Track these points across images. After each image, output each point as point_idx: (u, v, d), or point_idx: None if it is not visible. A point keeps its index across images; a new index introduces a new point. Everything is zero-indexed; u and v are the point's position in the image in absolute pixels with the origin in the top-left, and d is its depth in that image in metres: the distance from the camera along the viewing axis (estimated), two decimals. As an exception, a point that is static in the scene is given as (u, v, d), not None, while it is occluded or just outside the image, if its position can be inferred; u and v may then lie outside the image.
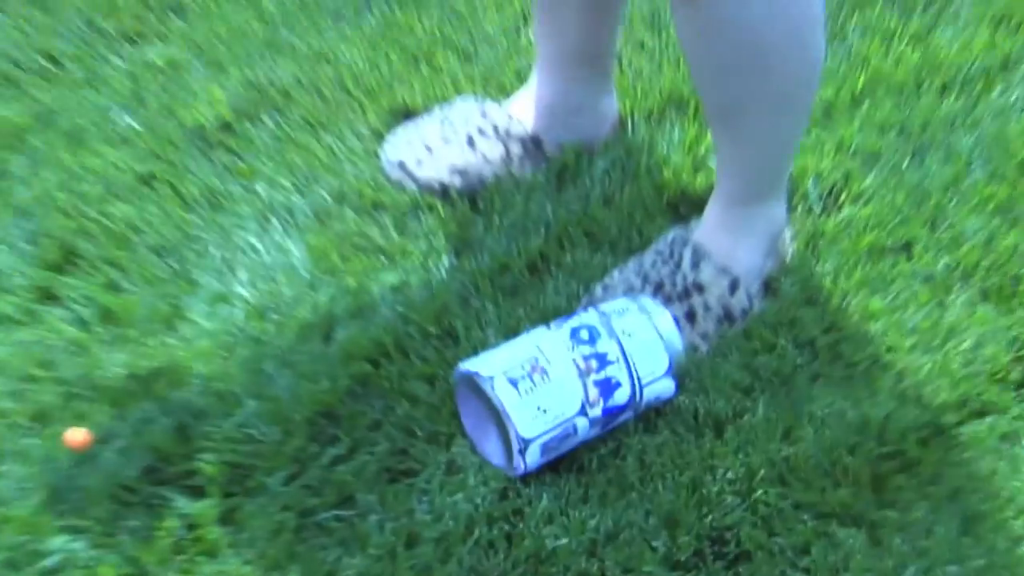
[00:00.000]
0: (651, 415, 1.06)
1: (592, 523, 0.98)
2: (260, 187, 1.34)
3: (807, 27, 1.01)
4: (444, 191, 1.30)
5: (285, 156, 1.38)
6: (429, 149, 1.32)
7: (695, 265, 1.14)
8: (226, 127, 1.42)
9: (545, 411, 0.99)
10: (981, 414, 1.05)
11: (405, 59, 1.47)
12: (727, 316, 1.13)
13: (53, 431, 1.06)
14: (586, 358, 1.02)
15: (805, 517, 0.98)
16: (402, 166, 1.31)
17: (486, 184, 1.31)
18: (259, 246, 1.26)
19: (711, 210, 1.16)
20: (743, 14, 0.97)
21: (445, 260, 1.24)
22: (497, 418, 0.99)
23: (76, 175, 1.34)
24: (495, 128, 1.32)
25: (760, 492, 0.99)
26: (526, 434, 0.98)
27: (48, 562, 0.96)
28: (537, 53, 1.31)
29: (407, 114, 1.43)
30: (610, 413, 1.02)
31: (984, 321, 1.12)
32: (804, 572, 0.95)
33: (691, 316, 1.12)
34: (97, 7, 1.57)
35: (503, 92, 1.43)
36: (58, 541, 0.97)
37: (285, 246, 1.26)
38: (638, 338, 1.04)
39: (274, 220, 1.30)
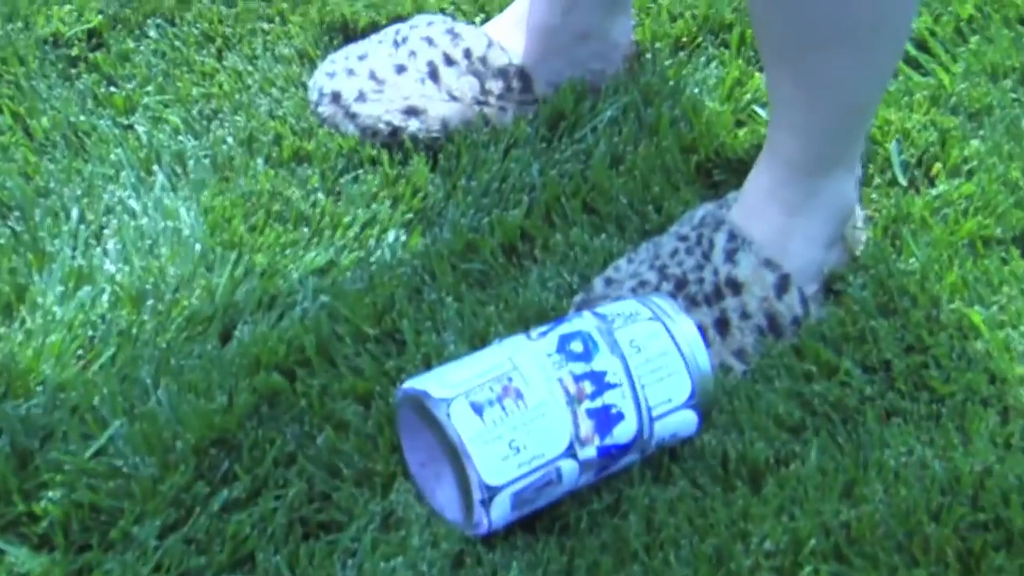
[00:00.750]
0: (664, 459, 1.06)
1: (578, 604, 0.98)
2: (139, 124, 1.33)
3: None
4: (394, 136, 1.30)
5: (174, 82, 1.37)
6: (377, 79, 1.32)
7: (731, 256, 1.14)
8: (93, 38, 1.40)
9: (519, 449, 0.99)
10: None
11: (345, -47, 1.47)
12: (772, 326, 1.14)
13: None
14: (578, 379, 1.02)
15: (868, 605, 0.98)
16: (337, 99, 1.32)
17: (451, 131, 1.31)
18: (135, 206, 1.25)
19: (757, 180, 1.16)
20: None
21: (390, 235, 1.23)
22: (453, 456, 0.99)
23: None
24: (468, 55, 1.32)
25: (808, 569, 0.98)
26: (492, 480, 0.98)
27: None
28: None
29: (346, 32, 1.42)
30: (608, 454, 1.02)
31: (1121, 345, 1.13)
32: None
33: (723, 325, 1.13)
34: None
35: (481, 9, 1.43)
36: None
37: (171, 207, 1.25)
38: (650, 353, 1.04)
39: (157, 170, 1.29)
